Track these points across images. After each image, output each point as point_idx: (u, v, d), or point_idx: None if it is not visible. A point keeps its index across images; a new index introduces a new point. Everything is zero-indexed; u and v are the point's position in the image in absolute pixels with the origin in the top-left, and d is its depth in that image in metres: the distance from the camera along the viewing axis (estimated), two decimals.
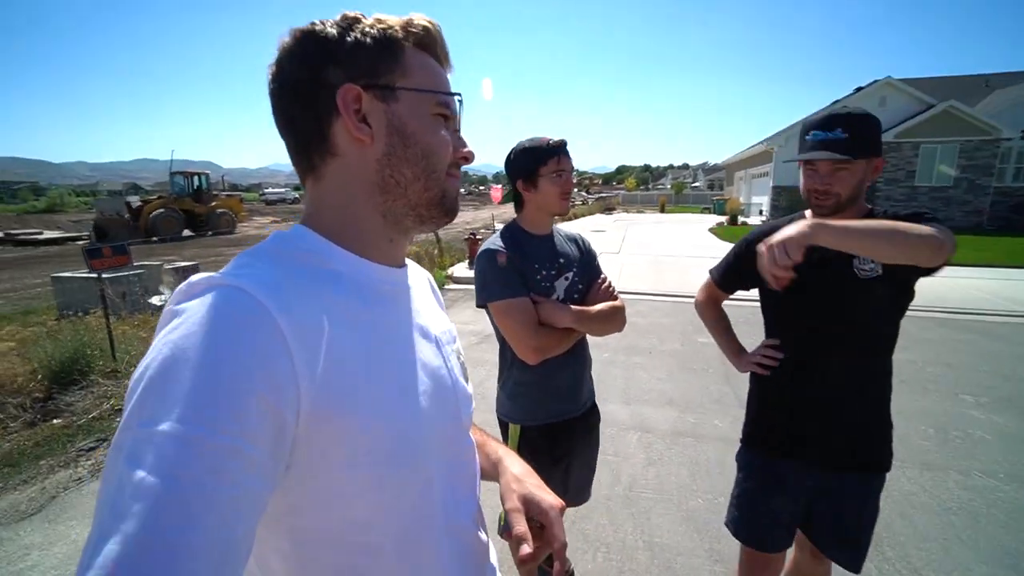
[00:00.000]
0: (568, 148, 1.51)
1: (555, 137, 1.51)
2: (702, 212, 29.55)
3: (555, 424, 1.58)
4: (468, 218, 26.02)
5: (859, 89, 18.74)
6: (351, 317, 0.53)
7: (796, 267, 1.08)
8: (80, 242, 16.05)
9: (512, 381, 1.58)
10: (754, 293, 1.49)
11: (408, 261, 0.72)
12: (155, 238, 17.07)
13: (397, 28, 0.57)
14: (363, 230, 0.59)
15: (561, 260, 1.55)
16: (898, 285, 1.26)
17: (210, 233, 19.27)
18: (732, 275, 1.57)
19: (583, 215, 26.47)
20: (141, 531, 0.34)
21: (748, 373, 1.52)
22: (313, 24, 0.56)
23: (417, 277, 0.72)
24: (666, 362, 4.67)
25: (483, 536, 0.69)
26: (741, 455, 1.53)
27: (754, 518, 1.45)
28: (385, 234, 0.61)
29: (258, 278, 0.47)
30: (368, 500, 0.52)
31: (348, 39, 0.55)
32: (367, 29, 0.56)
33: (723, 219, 20.72)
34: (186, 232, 18.86)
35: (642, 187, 78.15)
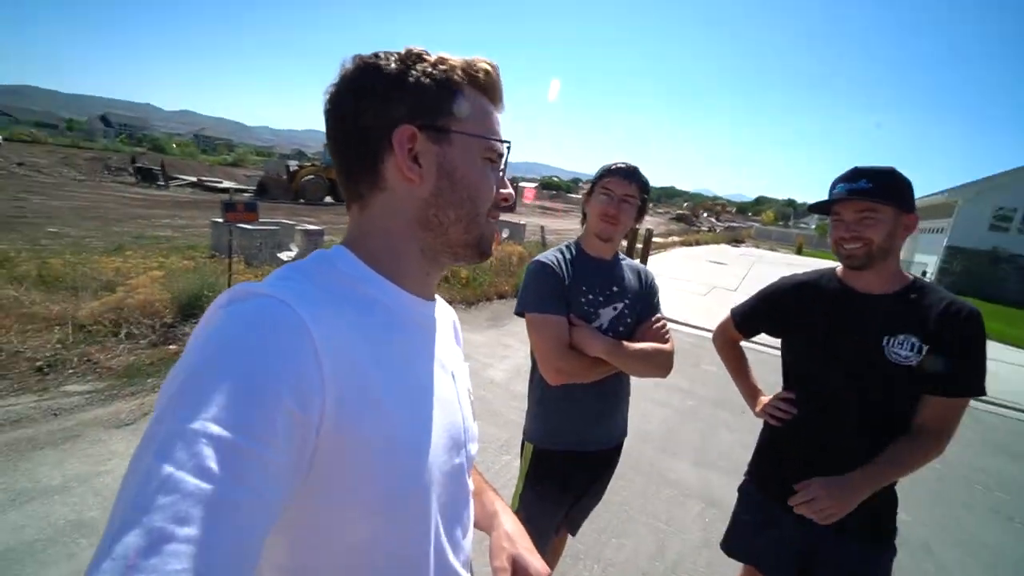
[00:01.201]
0: (636, 175, 1.47)
1: (629, 164, 1.49)
2: None
3: (571, 453, 1.52)
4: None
5: None
6: (379, 343, 0.54)
7: (827, 332, 1.35)
8: (246, 194, 18.77)
9: (536, 397, 1.55)
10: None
11: (436, 297, 0.73)
12: (302, 200, 19.37)
13: (458, 70, 0.58)
14: (401, 261, 0.61)
15: (614, 288, 1.50)
16: (924, 381, 1.25)
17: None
18: (755, 319, 1.59)
19: (705, 242, 24.70)
20: (165, 525, 0.35)
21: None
22: (377, 57, 0.57)
23: (442, 313, 0.73)
24: (758, 426, 4.04)
25: None
26: (743, 487, 1.59)
27: (747, 546, 1.54)
28: (422, 267, 0.62)
29: (299, 292, 0.49)
30: (369, 526, 0.51)
31: (410, 78, 0.56)
32: (429, 70, 0.57)
33: None
34: (328, 199, 21.14)
35: (781, 223, 70.98)
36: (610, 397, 1.53)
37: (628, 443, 3.54)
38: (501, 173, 0.64)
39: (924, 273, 18.25)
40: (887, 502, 1.33)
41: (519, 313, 1.49)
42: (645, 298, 1.55)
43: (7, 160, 20.28)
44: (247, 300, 0.47)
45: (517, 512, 1.57)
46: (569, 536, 1.82)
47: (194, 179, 23.02)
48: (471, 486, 0.71)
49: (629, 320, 1.50)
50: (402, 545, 0.54)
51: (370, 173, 0.58)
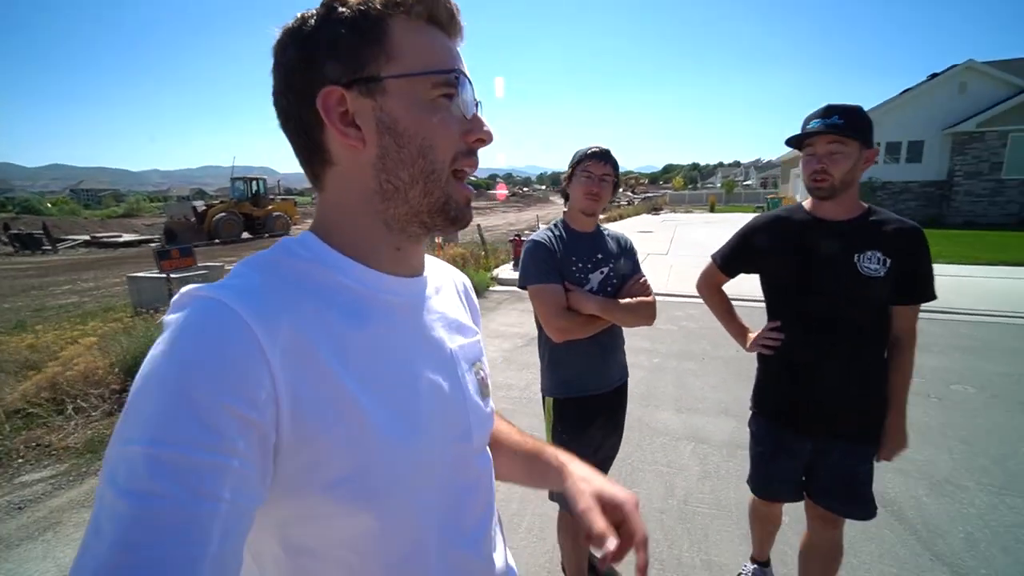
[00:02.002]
0: (609, 156, 1.67)
1: (604, 146, 1.69)
2: (755, 211, 28.31)
3: (585, 398, 1.72)
4: (511, 219, 26.10)
5: (934, 76, 17.40)
6: (344, 332, 0.50)
7: (803, 258, 1.48)
8: (152, 244, 17.27)
9: (547, 357, 1.76)
10: (753, 290, 1.68)
11: (440, 265, 0.69)
12: (217, 240, 18.14)
13: (378, 2, 0.49)
14: (367, 239, 0.55)
15: (599, 255, 1.71)
16: (894, 294, 1.44)
17: (267, 235, 20.27)
18: (736, 260, 1.72)
19: (629, 215, 25.95)
20: (112, 549, 0.35)
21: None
22: (295, 18, 0.51)
23: (441, 284, 0.67)
24: (719, 369, 4.44)
25: (494, 564, 0.64)
26: (752, 421, 1.73)
27: (765, 476, 1.69)
28: (391, 242, 0.56)
29: (243, 289, 0.46)
30: (354, 522, 0.49)
31: (324, 31, 0.49)
32: (344, 13, 0.49)
33: None
34: (245, 234, 19.92)
35: (690, 186, 75.84)
36: (607, 346, 1.74)
37: None
38: (470, 112, 0.55)
39: None
40: (877, 408, 1.50)
41: (522, 287, 1.70)
42: (628, 261, 1.78)
43: None
44: (186, 306, 0.44)
45: None
46: None
47: (86, 237, 20.78)
48: (489, 463, 0.67)
49: (615, 281, 1.72)
50: (397, 541, 0.52)
51: (316, 151, 0.53)
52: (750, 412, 1.74)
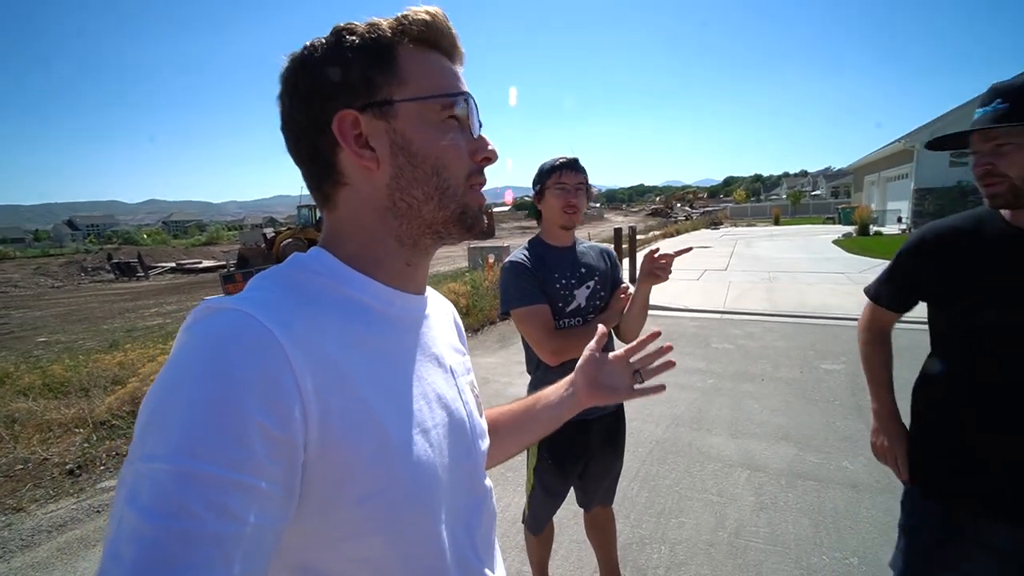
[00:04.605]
0: (579, 165, 1.60)
1: (570, 156, 1.61)
2: (824, 223, 26.55)
3: (574, 424, 1.62)
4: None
5: None
6: (362, 344, 0.50)
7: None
8: (225, 269, 18.75)
9: (535, 382, 1.65)
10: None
11: (430, 290, 0.70)
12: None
13: (387, 30, 0.52)
14: (379, 256, 0.56)
15: (583, 270, 1.63)
16: None
17: None
18: (909, 284, 1.25)
19: (686, 231, 25.15)
20: (134, 571, 0.33)
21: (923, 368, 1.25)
22: (304, 47, 0.53)
23: (437, 307, 0.69)
24: (781, 391, 4.13)
25: None
26: (910, 500, 1.25)
27: None
28: (401, 257, 0.57)
29: (266, 301, 0.46)
30: (377, 539, 0.48)
31: (336, 57, 0.51)
32: (355, 41, 0.51)
33: (850, 229, 18.37)
34: None
35: (753, 199, 72.64)
36: None
37: (661, 430, 3.58)
38: (476, 130, 0.57)
39: (900, 219, 18.75)
40: None
41: (505, 312, 1.60)
42: (614, 273, 1.72)
43: None
44: (210, 316, 0.43)
45: (532, 485, 1.71)
46: (617, 515, 1.92)
47: (172, 264, 23.00)
48: (488, 484, 0.67)
49: (603, 294, 1.65)
50: (416, 553, 0.51)
51: (328, 172, 0.54)
52: (903, 487, 1.27)
